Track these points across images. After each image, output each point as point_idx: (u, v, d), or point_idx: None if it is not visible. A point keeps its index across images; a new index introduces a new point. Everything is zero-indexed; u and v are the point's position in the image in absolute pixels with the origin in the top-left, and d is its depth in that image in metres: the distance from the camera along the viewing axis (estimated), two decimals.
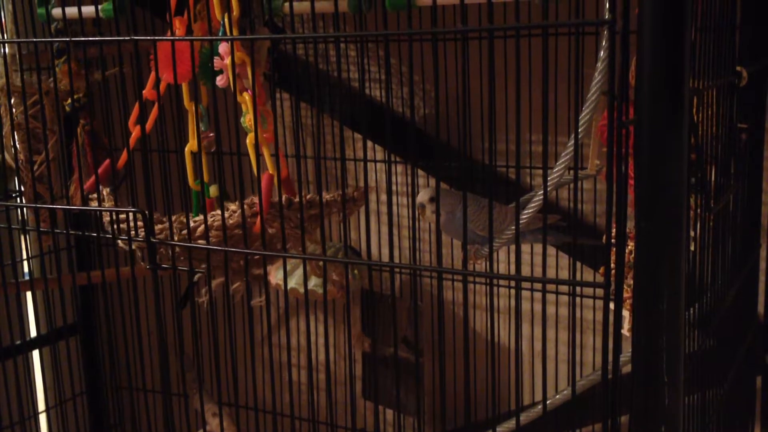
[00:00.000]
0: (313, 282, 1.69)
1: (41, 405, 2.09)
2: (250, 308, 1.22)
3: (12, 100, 1.63)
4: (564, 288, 1.76)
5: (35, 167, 1.64)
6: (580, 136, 1.03)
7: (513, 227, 1.30)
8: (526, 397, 1.97)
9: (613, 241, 0.93)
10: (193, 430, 1.82)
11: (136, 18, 1.23)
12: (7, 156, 1.68)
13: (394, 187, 1.96)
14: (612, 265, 0.93)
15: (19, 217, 1.70)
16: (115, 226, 1.33)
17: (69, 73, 1.51)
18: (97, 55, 1.40)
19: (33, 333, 2.08)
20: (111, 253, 2.14)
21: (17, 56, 1.57)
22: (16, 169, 1.68)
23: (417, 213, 1.47)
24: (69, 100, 1.61)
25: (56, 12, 1.50)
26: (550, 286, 1.76)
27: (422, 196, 1.46)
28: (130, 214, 1.29)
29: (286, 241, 1.26)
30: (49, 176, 1.63)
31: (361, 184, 1.98)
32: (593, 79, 1.10)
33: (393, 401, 1.94)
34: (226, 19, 1.23)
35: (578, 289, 1.06)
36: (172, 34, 1.28)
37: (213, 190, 1.52)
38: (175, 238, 1.27)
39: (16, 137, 1.62)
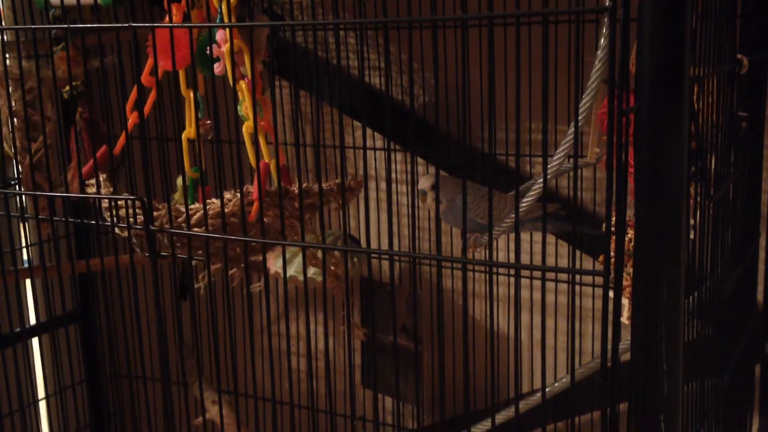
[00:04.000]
0: (312, 270, 1.69)
1: (41, 393, 2.09)
2: (250, 296, 1.22)
3: (10, 88, 1.63)
4: (563, 276, 1.76)
5: (33, 155, 1.64)
6: (580, 125, 1.03)
7: (512, 215, 1.30)
8: (525, 385, 1.98)
9: (612, 229, 0.92)
10: (193, 417, 1.82)
11: (134, 5, 1.23)
12: (5, 144, 1.67)
13: (393, 176, 1.96)
14: (611, 254, 0.93)
15: (18, 205, 1.70)
16: (114, 213, 1.32)
17: (67, 60, 1.50)
18: (96, 43, 1.39)
19: (32, 321, 2.08)
20: (110, 241, 2.14)
21: (19, 43, 1.57)
22: (15, 157, 1.67)
23: (417, 200, 1.47)
24: (67, 88, 1.61)
25: None
26: (550, 275, 1.76)
27: (424, 183, 1.46)
28: (129, 202, 1.28)
29: (285, 230, 1.25)
30: (47, 164, 1.63)
31: (361, 172, 1.98)
32: (593, 67, 1.09)
33: (392, 389, 1.94)
34: (224, 6, 1.22)
35: (578, 277, 1.06)
36: (170, 21, 1.27)
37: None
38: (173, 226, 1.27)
39: (13, 125, 1.61)
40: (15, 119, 1.62)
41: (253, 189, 1.24)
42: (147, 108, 1.36)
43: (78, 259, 2.03)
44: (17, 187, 1.75)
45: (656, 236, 0.86)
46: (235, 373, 1.23)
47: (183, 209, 1.26)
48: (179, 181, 1.61)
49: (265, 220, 1.25)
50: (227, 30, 1.20)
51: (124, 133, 1.34)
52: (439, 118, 1.75)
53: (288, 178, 1.36)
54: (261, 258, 1.25)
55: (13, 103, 1.62)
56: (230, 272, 1.35)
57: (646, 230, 0.86)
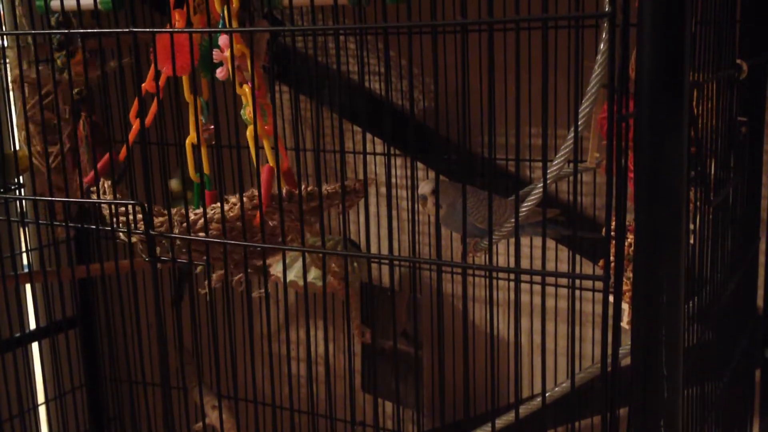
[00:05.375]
0: (313, 275, 1.69)
1: (40, 397, 2.09)
2: (250, 301, 1.22)
3: (12, 94, 1.63)
4: (563, 281, 1.76)
5: (51, 159, 1.64)
6: (579, 129, 1.03)
7: (512, 220, 1.30)
8: (525, 389, 1.97)
9: (612, 234, 0.92)
10: (193, 423, 1.82)
11: (135, 10, 1.23)
12: (24, 148, 1.68)
13: (393, 180, 1.96)
14: (611, 258, 0.93)
15: (18, 210, 1.70)
16: (115, 219, 1.33)
17: (68, 64, 1.51)
18: (96, 48, 1.39)
19: (32, 326, 2.08)
20: (110, 246, 2.14)
21: (30, 49, 1.57)
22: (15, 161, 1.67)
23: (418, 205, 1.47)
24: (76, 90, 1.61)
25: (55, 4, 1.50)
26: (550, 279, 1.76)
27: (424, 188, 1.46)
28: (130, 207, 1.28)
29: (287, 234, 1.26)
30: (48, 170, 1.63)
31: (361, 176, 1.98)
32: (593, 72, 1.09)
33: (392, 394, 1.94)
34: (225, 12, 1.23)
35: (578, 282, 1.06)
36: (172, 26, 1.28)
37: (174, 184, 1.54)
38: (175, 231, 1.27)
39: (17, 131, 1.62)
40: (19, 125, 1.62)
41: (257, 193, 1.25)
42: (149, 119, 1.36)
43: (78, 264, 2.03)
44: (18, 191, 1.76)
45: (656, 241, 0.86)
46: (235, 378, 1.23)
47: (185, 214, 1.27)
48: (173, 184, 1.61)
49: (271, 223, 1.25)
50: (229, 35, 1.20)
51: (125, 144, 1.34)
52: (439, 123, 1.75)
53: (293, 182, 1.36)
54: (263, 263, 1.25)
55: (14, 109, 1.62)
56: (235, 278, 1.35)
57: (646, 235, 0.86)
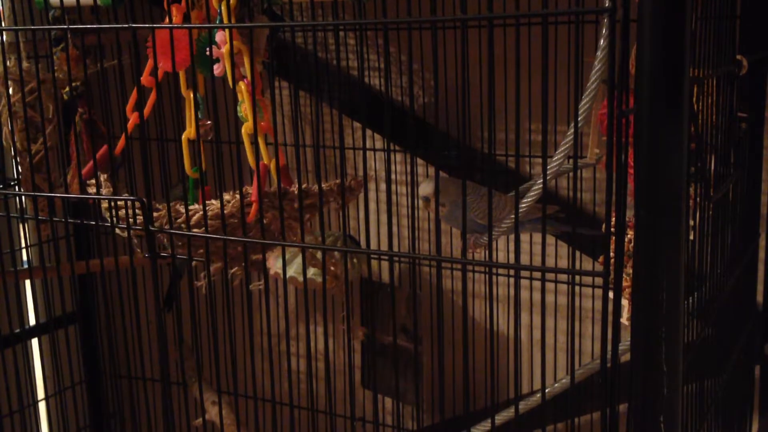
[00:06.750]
0: (312, 271, 1.69)
1: (40, 393, 2.09)
2: (249, 296, 1.22)
3: (10, 89, 1.63)
4: (563, 277, 1.76)
5: (33, 156, 1.64)
6: (579, 125, 1.03)
7: (512, 216, 1.30)
8: (524, 385, 1.98)
9: (612, 230, 0.92)
10: (192, 418, 1.82)
11: (134, 6, 1.23)
12: (5, 144, 1.67)
13: (393, 176, 1.96)
14: (611, 254, 0.93)
15: (18, 206, 1.70)
16: (113, 214, 1.32)
17: (67, 60, 1.50)
18: (95, 44, 1.39)
19: (32, 322, 2.08)
20: (110, 242, 2.14)
21: (19, 44, 1.57)
22: (15, 158, 1.67)
23: (418, 202, 1.47)
24: (66, 89, 1.61)
25: (54, 0, 1.50)
26: (550, 275, 1.76)
27: (426, 189, 1.45)
28: (128, 202, 1.28)
29: (284, 231, 1.25)
30: (47, 165, 1.63)
31: (360, 172, 1.98)
32: (593, 68, 1.09)
33: (392, 390, 1.94)
34: (223, 7, 1.22)
35: (577, 278, 1.05)
36: (170, 21, 1.27)
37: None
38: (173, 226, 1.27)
39: (13, 126, 1.61)
40: (15, 120, 1.62)
41: (252, 190, 1.24)
42: (147, 110, 1.36)
43: (78, 260, 2.03)
44: (17, 187, 1.75)
45: (656, 237, 0.86)
46: (234, 374, 1.23)
47: (182, 210, 1.26)
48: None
49: (265, 221, 1.25)
50: (227, 31, 1.20)
51: (124, 134, 1.34)
52: (439, 119, 1.75)
53: (288, 179, 1.36)
54: (261, 257, 1.25)
55: (14, 104, 1.62)
56: (231, 271, 1.35)
57: (646, 231, 0.86)
